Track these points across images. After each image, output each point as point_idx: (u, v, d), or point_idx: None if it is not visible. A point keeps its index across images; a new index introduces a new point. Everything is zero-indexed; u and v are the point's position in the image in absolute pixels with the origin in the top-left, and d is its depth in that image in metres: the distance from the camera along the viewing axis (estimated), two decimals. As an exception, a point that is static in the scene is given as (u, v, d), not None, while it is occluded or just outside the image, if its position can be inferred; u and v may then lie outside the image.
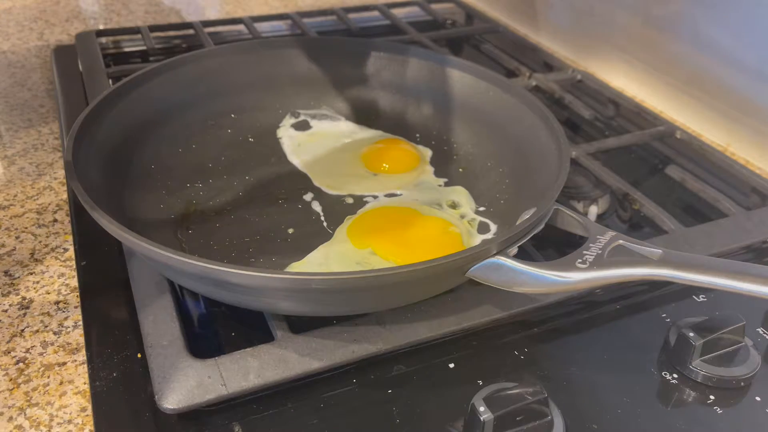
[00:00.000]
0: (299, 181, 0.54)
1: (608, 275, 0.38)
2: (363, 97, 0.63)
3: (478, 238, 0.48)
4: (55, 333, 0.43)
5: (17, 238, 0.51)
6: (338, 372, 0.39)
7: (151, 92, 0.55)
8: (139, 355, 0.40)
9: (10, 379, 0.39)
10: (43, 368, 0.40)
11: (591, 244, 0.40)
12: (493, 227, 0.50)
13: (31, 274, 0.48)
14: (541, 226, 0.42)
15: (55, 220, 0.53)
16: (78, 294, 0.46)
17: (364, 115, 0.62)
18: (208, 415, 0.36)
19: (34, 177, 0.59)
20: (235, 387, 0.36)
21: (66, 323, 0.44)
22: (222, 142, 0.58)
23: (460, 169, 0.56)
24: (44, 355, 0.41)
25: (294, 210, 0.51)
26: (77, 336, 0.43)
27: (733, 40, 0.67)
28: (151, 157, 0.53)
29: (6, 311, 0.44)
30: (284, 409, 0.37)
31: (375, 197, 0.53)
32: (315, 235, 0.48)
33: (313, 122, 0.61)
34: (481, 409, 0.34)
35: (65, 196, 0.56)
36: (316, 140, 0.59)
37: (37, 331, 0.43)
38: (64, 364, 0.41)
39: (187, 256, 0.35)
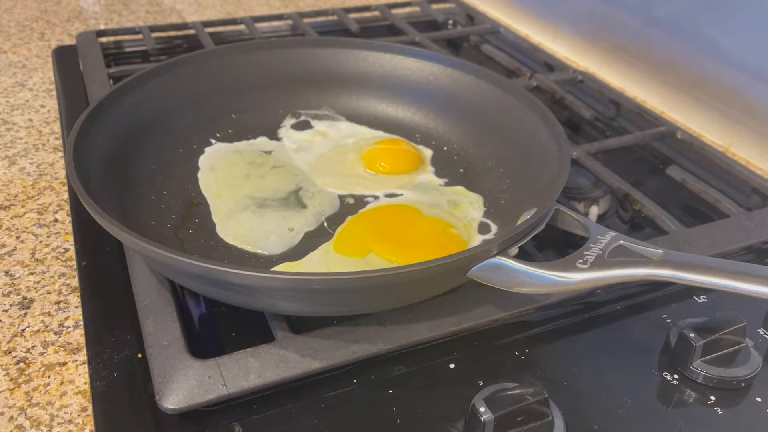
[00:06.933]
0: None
1: (609, 276, 0.38)
2: (363, 97, 0.63)
3: (478, 239, 0.48)
4: (55, 333, 0.43)
5: (18, 238, 0.51)
6: (339, 372, 0.39)
7: (152, 92, 0.55)
8: (139, 355, 0.40)
9: (11, 379, 0.39)
10: (43, 368, 0.40)
11: (592, 245, 0.40)
12: (494, 227, 0.50)
13: (32, 274, 0.48)
14: (542, 227, 0.42)
15: (56, 220, 0.53)
16: (78, 294, 0.46)
17: (364, 115, 0.62)
18: (208, 415, 0.36)
19: (35, 177, 0.59)
20: (235, 387, 0.36)
21: (67, 323, 0.44)
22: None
23: (461, 170, 0.56)
24: (45, 354, 0.41)
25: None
26: (78, 336, 0.43)
27: (734, 41, 0.67)
28: (152, 157, 0.53)
29: (7, 311, 0.44)
30: (285, 409, 0.37)
31: (376, 197, 0.53)
32: (315, 235, 0.48)
33: (313, 122, 0.61)
34: (482, 409, 0.34)
35: (66, 196, 0.56)
36: (317, 140, 0.59)
37: (38, 330, 0.43)
38: (65, 364, 0.41)
39: (188, 256, 0.35)
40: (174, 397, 0.35)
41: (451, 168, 0.56)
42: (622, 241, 0.40)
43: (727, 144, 0.69)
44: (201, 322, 0.43)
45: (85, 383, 0.39)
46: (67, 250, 0.50)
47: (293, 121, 0.61)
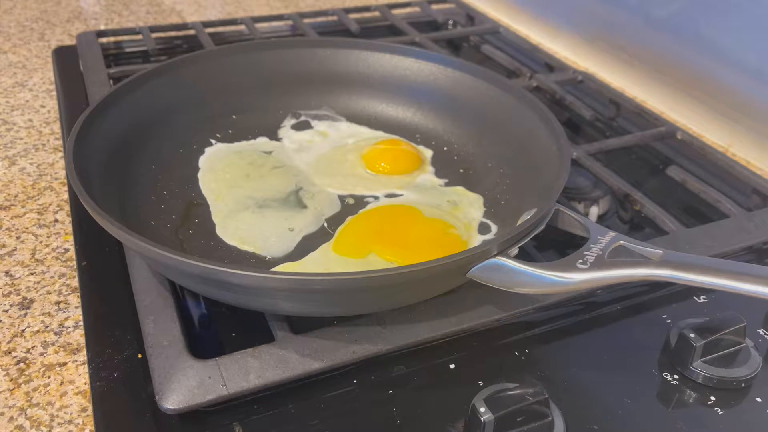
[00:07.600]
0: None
1: (609, 276, 0.38)
2: (363, 97, 0.63)
3: (478, 239, 0.48)
4: (55, 333, 0.43)
5: (18, 238, 0.51)
6: (339, 372, 0.39)
7: (152, 93, 0.55)
8: (139, 356, 0.40)
9: (11, 379, 0.39)
10: (43, 368, 0.40)
11: (592, 245, 0.40)
12: (494, 228, 0.50)
13: (32, 274, 0.48)
14: (542, 227, 0.42)
15: (56, 221, 0.53)
16: (79, 294, 0.46)
17: (364, 115, 0.62)
18: (208, 416, 0.36)
19: (35, 177, 0.59)
20: (235, 387, 0.36)
21: (67, 323, 0.44)
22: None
23: (461, 170, 0.56)
24: (45, 355, 0.41)
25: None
26: (78, 336, 0.43)
27: (734, 40, 0.67)
28: (152, 157, 0.53)
29: (7, 311, 0.44)
30: (285, 410, 0.37)
31: (376, 198, 0.53)
32: (315, 236, 0.48)
33: (313, 123, 0.61)
34: (482, 409, 0.34)
35: (66, 196, 0.56)
36: (317, 141, 0.59)
37: (38, 331, 0.43)
38: (65, 364, 0.41)
39: (188, 256, 0.35)
40: (174, 398, 0.35)
41: (451, 168, 0.56)
42: (622, 242, 0.40)
43: (727, 144, 0.69)
44: (201, 322, 0.43)
45: (85, 383, 0.39)
46: (67, 250, 0.50)
47: (293, 121, 0.61)
